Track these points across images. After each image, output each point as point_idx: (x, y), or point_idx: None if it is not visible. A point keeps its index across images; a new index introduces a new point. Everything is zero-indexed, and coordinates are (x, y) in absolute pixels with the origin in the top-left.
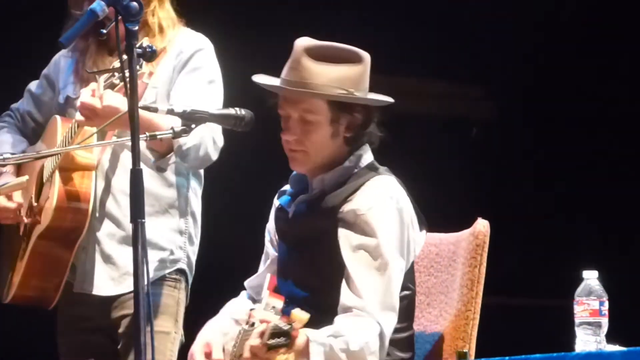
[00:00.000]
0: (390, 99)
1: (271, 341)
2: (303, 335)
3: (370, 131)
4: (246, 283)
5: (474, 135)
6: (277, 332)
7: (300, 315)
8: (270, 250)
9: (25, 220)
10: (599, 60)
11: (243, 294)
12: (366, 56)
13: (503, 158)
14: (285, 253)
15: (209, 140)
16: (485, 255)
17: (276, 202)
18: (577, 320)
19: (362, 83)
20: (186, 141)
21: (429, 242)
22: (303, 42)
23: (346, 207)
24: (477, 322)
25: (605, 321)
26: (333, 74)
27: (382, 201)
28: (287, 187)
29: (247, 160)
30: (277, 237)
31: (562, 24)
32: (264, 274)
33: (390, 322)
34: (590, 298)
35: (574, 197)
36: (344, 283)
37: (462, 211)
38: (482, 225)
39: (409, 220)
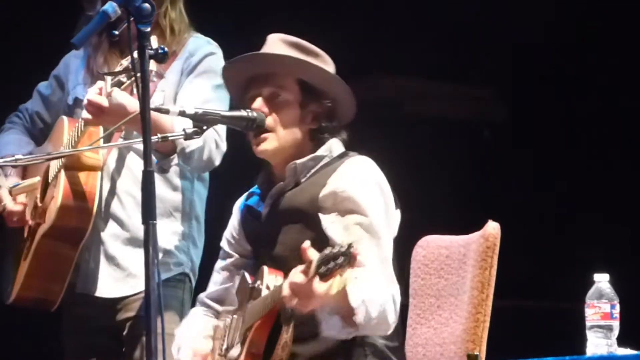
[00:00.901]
0: (355, 109)
1: (323, 268)
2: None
3: (334, 125)
4: (203, 296)
5: (485, 137)
6: (330, 257)
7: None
8: (229, 260)
9: (30, 221)
10: (611, 60)
11: (197, 310)
12: (333, 63)
13: (514, 160)
14: (261, 244)
15: (212, 143)
16: (495, 257)
17: (237, 207)
18: (588, 324)
19: None
20: (190, 144)
21: (440, 245)
22: (277, 34)
23: (324, 191)
24: (487, 324)
25: (616, 324)
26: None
27: (360, 177)
28: (254, 189)
29: (250, 163)
30: (247, 242)
31: (573, 25)
32: (226, 285)
33: (396, 289)
34: (602, 301)
35: (586, 200)
36: None
37: (472, 213)
38: (492, 228)
39: (388, 195)
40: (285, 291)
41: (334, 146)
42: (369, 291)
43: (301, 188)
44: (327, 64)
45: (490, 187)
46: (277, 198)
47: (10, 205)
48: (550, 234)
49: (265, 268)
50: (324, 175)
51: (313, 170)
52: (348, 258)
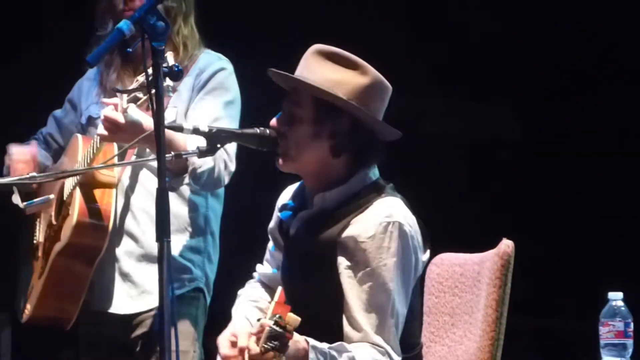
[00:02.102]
0: (389, 128)
1: (267, 344)
2: (303, 340)
3: (358, 141)
4: (257, 268)
5: (501, 157)
6: (272, 336)
7: (292, 318)
8: (276, 246)
9: (42, 239)
10: (628, 83)
11: (254, 281)
12: (376, 75)
13: (529, 179)
14: (285, 267)
15: (221, 164)
16: (510, 275)
17: (279, 205)
18: (602, 342)
19: (363, 97)
20: (201, 164)
21: (454, 262)
22: (317, 45)
23: (346, 233)
24: (501, 342)
25: (630, 342)
26: (330, 74)
27: (383, 228)
28: (289, 200)
29: (267, 179)
30: (280, 243)
31: (590, 46)
32: (271, 266)
33: (396, 356)
34: (616, 319)
35: (600, 218)
36: (344, 316)
37: (487, 231)
38: (506, 246)
39: (414, 242)
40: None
41: (368, 174)
42: (344, 357)
43: (326, 222)
44: (364, 76)
45: (505, 205)
46: (303, 224)
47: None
48: (565, 251)
49: (273, 304)
50: (350, 213)
51: (342, 201)
52: (282, 340)
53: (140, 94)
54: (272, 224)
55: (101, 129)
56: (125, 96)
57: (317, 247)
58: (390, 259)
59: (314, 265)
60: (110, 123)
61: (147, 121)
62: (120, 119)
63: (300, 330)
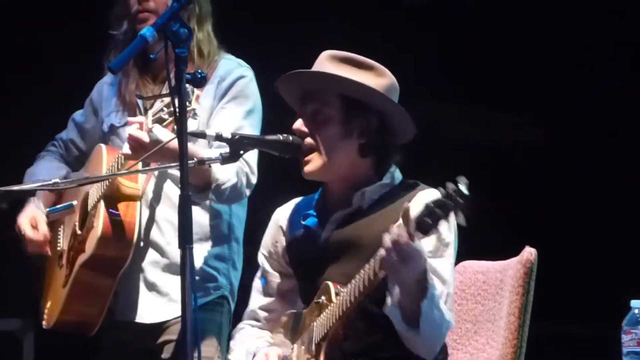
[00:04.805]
0: (413, 125)
1: (427, 219)
2: None
3: (387, 140)
4: (250, 316)
5: (521, 162)
6: (436, 205)
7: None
8: (274, 278)
9: (65, 247)
10: None
11: (248, 328)
12: (391, 76)
13: (549, 185)
14: (320, 270)
15: (243, 178)
16: (532, 283)
17: (281, 224)
18: (624, 350)
19: (388, 95)
20: (225, 181)
21: (477, 270)
22: (328, 51)
23: None
24: (524, 350)
25: None
26: (351, 76)
27: None
28: (310, 210)
29: (286, 183)
30: (291, 263)
31: (609, 51)
32: (277, 305)
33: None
34: (638, 327)
35: (622, 225)
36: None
37: (509, 239)
38: (529, 253)
39: (456, 231)
40: (387, 243)
41: (394, 174)
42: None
43: (369, 220)
44: (382, 77)
45: (527, 212)
46: (341, 224)
47: (30, 233)
48: (587, 258)
49: (331, 284)
50: (394, 210)
51: (376, 198)
52: (454, 205)
53: (165, 115)
54: (267, 244)
55: (126, 148)
56: (150, 115)
57: (364, 246)
58: (450, 248)
59: (359, 262)
60: (135, 142)
61: (173, 141)
62: (145, 138)
63: (351, 323)
